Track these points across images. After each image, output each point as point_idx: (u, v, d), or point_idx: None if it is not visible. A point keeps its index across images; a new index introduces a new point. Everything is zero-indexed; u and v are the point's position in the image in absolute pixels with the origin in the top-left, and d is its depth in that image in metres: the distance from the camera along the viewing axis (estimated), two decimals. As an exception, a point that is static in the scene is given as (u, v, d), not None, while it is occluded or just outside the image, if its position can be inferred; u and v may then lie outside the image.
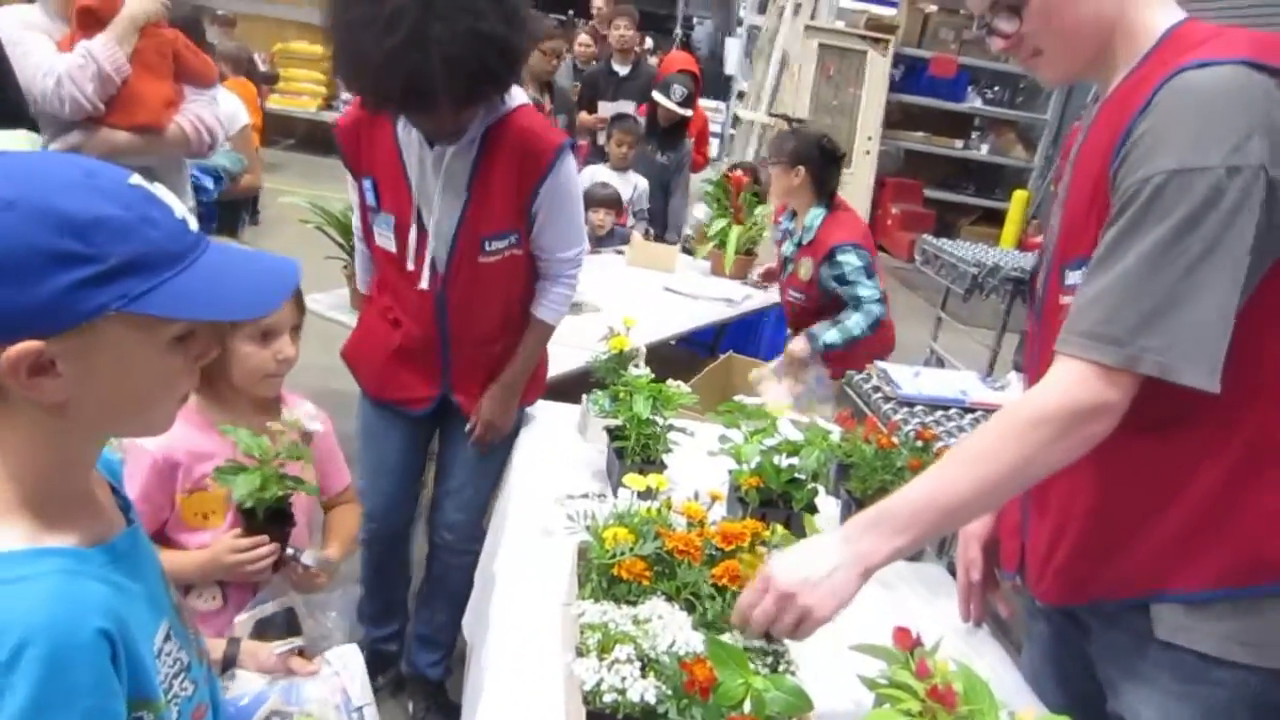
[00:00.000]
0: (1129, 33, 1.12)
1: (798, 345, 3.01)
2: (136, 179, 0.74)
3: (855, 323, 2.94)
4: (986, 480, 1.07)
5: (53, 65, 2.21)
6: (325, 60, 8.84)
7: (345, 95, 8.68)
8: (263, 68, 8.43)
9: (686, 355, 3.89)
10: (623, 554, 1.20)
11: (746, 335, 4.08)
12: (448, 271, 1.86)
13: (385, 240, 1.88)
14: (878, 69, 8.66)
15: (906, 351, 5.29)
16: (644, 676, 1.01)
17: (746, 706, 0.95)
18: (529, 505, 1.69)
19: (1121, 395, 1.04)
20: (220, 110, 2.65)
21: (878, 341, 3.04)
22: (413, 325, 1.94)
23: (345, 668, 1.36)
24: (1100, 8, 1.12)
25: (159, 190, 0.76)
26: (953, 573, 1.70)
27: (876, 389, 2.56)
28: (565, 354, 2.52)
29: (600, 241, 3.91)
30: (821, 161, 3.00)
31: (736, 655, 0.99)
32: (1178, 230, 0.99)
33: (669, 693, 0.99)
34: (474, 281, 1.87)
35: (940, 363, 5.34)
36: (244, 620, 1.34)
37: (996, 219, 9.16)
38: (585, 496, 1.73)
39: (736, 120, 9.89)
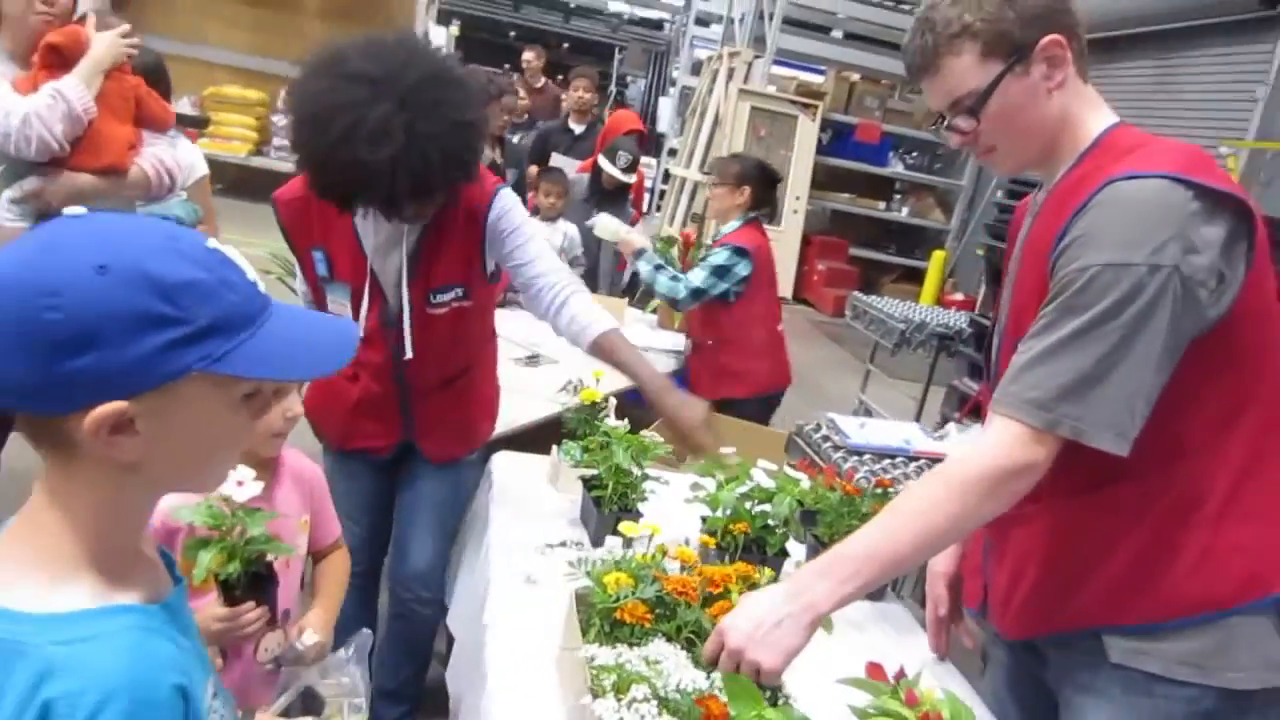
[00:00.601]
0: (1071, 133, 1.28)
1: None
2: (213, 242, 0.77)
3: (666, 280, 3.18)
4: (927, 533, 1.20)
5: (15, 104, 2.19)
6: (257, 105, 8.78)
7: (278, 141, 8.63)
8: (193, 111, 8.33)
9: (633, 406, 3.96)
10: (625, 598, 1.26)
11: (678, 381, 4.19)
12: (399, 327, 1.88)
13: (340, 308, 1.89)
14: (807, 132, 9.04)
15: (836, 402, 5.49)
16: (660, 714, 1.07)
17: (760, 738, 1.02)
18: (509, 555, 1.73)
19: (1045, 454, 1.17)
20: (180, 155, 2.66)
21: (769, 368, 3.26)
22: (370, 381, 1.96)
23: None
24: (1046, 113, 1.26)
25: (233, 254, 0.79)
26: (914, 610, 1.82)
27: (826, 438, 2.68)
28: (526, 404, 2.58)
29: None
30: (763, 183, 3.28)
31: (749, 689, 1.06)
32: (1103, 315, 1.14)
33: (684, 727, 1.05)
34: (425, 333, 1.89)
35: (869, 413, 5.53)
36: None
37: (916, 277, 9.58)
38: (564, 545, 1.78)
39: (668, 176, 10.16)
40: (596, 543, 1.77)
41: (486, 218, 1.86)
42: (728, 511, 1.71)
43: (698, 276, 3.14)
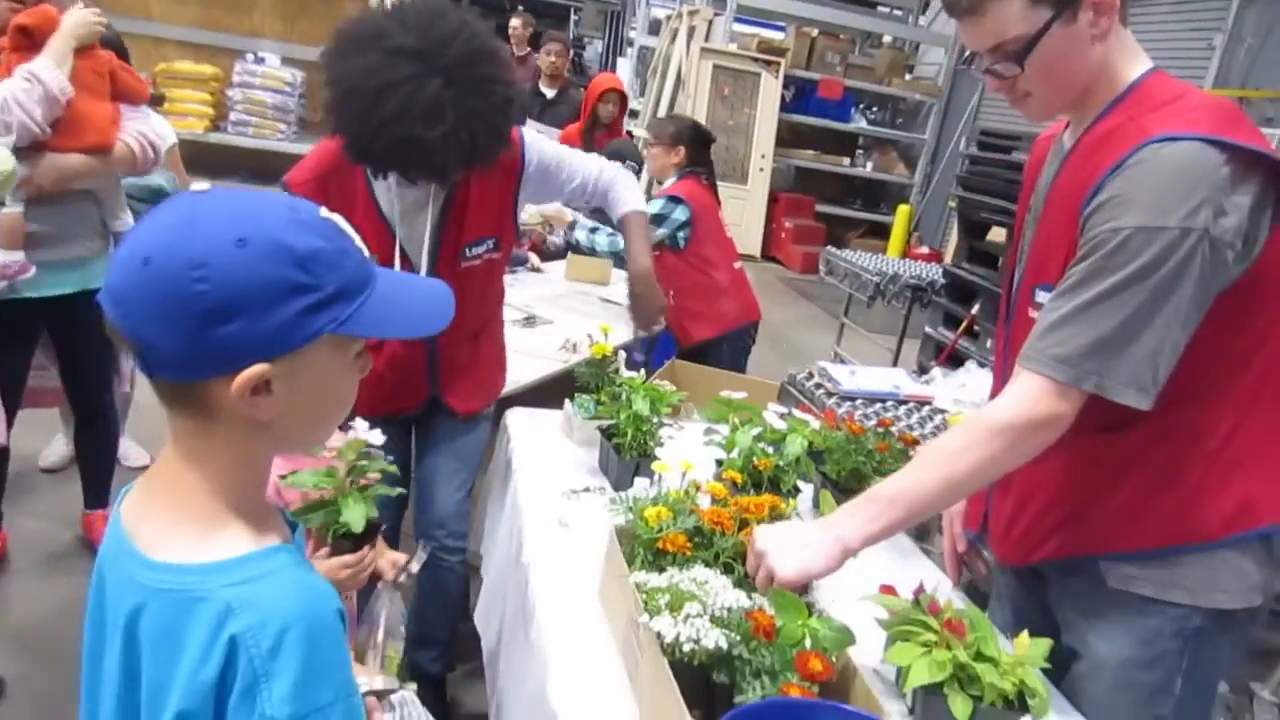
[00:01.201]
0: (1107, 79, 1.30)
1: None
2: (325, 212, 0.81)
3: (605, 239, 3.36)
4: (952, 479, 1.27)
5: None
6: (212, 80, 8.60)
7: (235, 116, 8.48)
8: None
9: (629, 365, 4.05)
10: (666, 529, 1.36)
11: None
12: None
13: None
14: (770, 90, 9.08)
15: (812, 357, 5.61)
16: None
17: (807, 643, 1.13)
18: (538, 502, 1.82)
19: (1070, 408, 1.24)
20: (156, 126, 2.67)
21: (735, 305, 3.37)
22: (396, 345, 2.02)
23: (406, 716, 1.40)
24: (1088, 60, 1.27)
25: (343, 222, 0.84)
26: (917, 540, 1.94)
27: (819, 386, 2.79)
28: (528, 364, 2.66)
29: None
30: (697, 142, 3.43)
31: (795, 602, 1.17)
32: (1132, 277, 1.18)
33: (738, 638, 1.16)
34: (458, 288, 1.95)
35: (844, 364, 5.67)
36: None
37: (882, 232, 9.73)
38: (588, 491, 1.88)
39: (631, 137, 10.16)
40: (618, 487, 1.86)
41: (523, 169, 1.95)
42: (743, 453, 1.81)
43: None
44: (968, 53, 1.34)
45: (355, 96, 1.62)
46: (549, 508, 1.79)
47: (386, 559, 1.51)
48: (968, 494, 1.42)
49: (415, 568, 1.53)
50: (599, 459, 2.01)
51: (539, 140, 2.01)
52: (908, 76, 10.18)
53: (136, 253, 0.72)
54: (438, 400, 2.10)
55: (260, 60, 8.53)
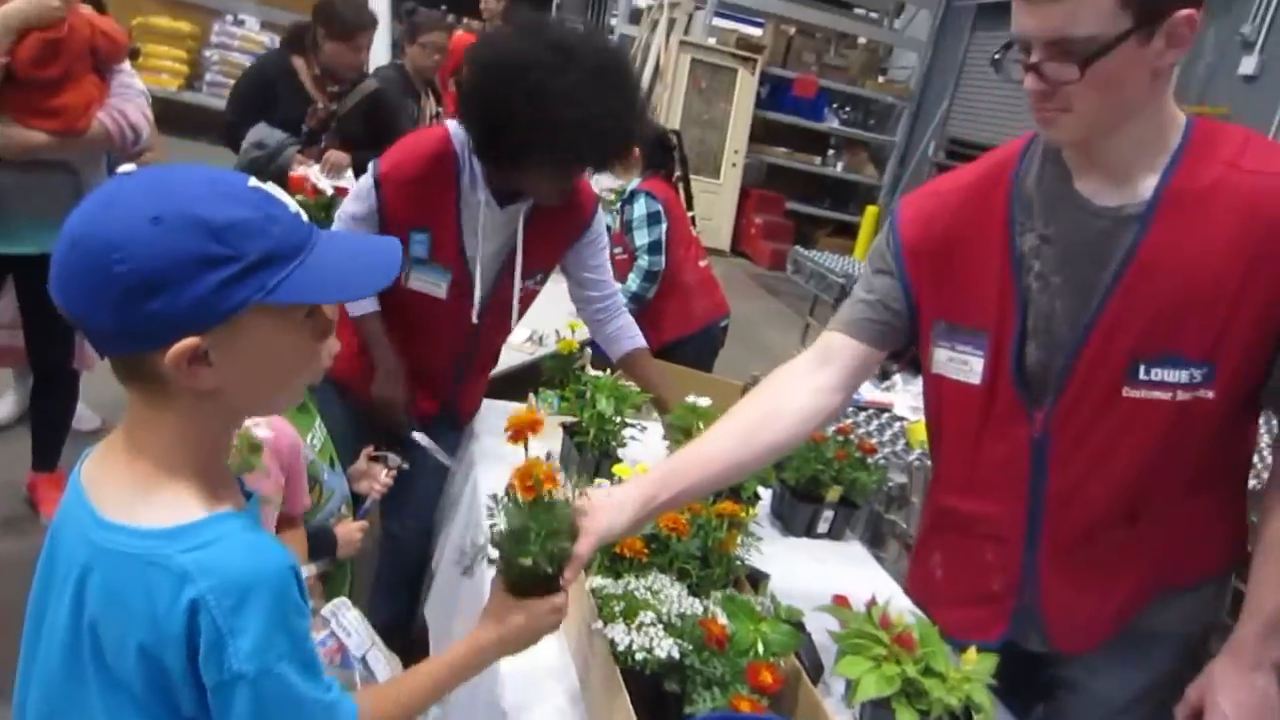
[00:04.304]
0: (1164, 121, 1.18)
1: None
2: (253, 181, 0.82)
3: (632, 280, 3.28)
4: None
5: None
6: (188, 38, 8.42)
7: (210, 76, 8.31)
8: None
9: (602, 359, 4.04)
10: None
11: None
12: (484, 305, 2.00)
13: (431, 287, 1.97)
14: (746, 86, 9.10)
15: (775, 354, 5.67)
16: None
17: (760, 646, 1.14)
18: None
19: None
20: (145, 105, 2.60)
21: (704, 304, 3.37)
22: (435, 353, 2.05)
23: (339, 625, 1.40)
24: (1142, 90, 1.14)
25: (274, 189, 0.85)
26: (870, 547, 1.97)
27: (781, 390, 2.81)
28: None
29: None
30: (655, 144, 3.37)
31: (746, 607, 1.18)
32: None
33: (690, 647, 1.16)
34: (503, 310, 2.04)
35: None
36: None
37: (850, 231, 9.79)
38: (548, 487, 1.87)
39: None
40: (578, 484, 1.86)
41: (591, 224, 2.04)
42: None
43: (639, 239, 3.22)
44: (1007, 43, 1.16)
45: (498, 72, 1.69)
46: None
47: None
48: None
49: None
50: (560, 454, 2.00)
51: (604, 217, 2.13)
52: (880, 79, 10.25)
53: (65, 236, 0.75)
54: (445, 406, 2.12)
55: (240, 22, 8.38)
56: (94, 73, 2.43)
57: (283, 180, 2.69)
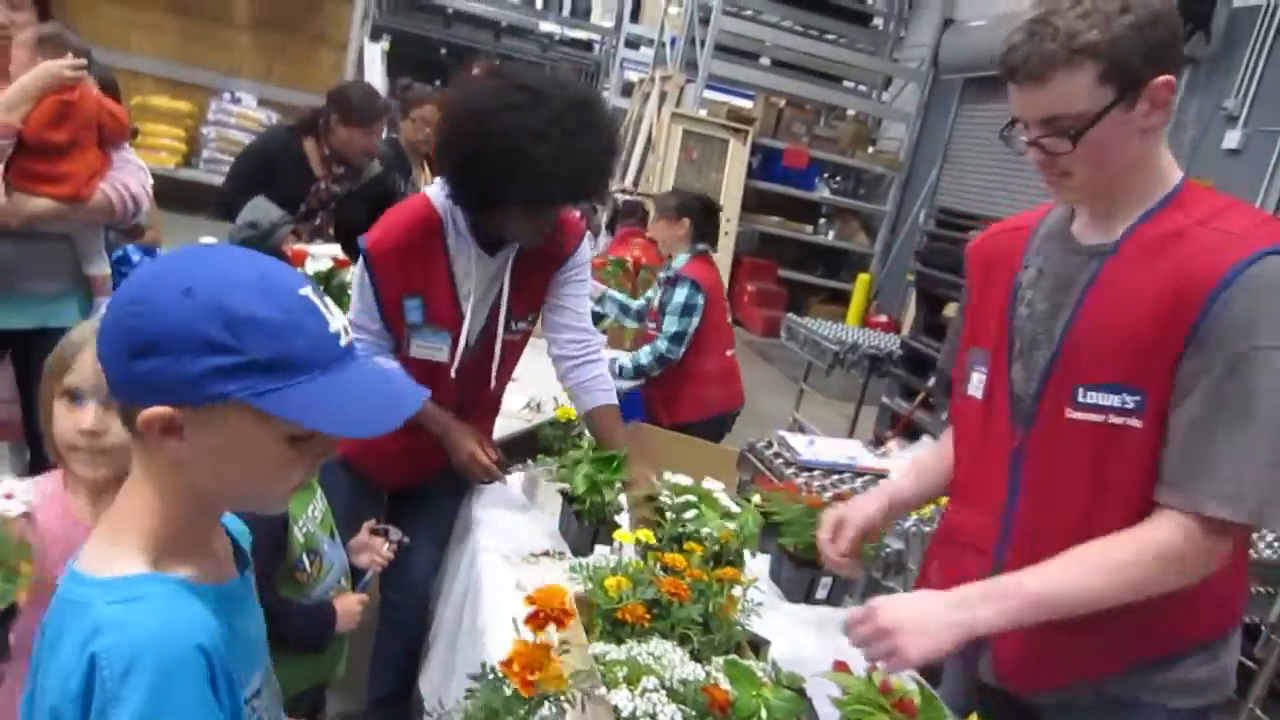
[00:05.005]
0: (1154, 176, 1.27)
1: None
2: (307, 290, 0.82)
3: (645, 353, 3.32)
4: (1104, 592, 1.22)
5: None
6: (186, 117, 8.60)
7: (207, 153, 8.47)
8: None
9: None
10: (625, 599, 1.37)
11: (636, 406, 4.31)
12: (472, 352, 2.00)
13: (432, 353, 1.95)
14: (737, 156, 9.30)
15: (771, 420, 5.69)
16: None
17: (763, 713, 1.15)
18: (497, 564, 1.82)
19: (1230, 543, 1.21)
20: (146, 179, 2.67)
21: (720, 393, 3.39)
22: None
23: None
24: (1131, 151, 1.24)
25: (326, 303, 0.84)
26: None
27: (778, 455, 2.84)
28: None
29: None
30: (702, 213, 3.46)
31: (748, 673, 1.19)
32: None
33: (693, 713, 1.17)
34: (493, 356, 2.04)
35: (803, 431, 5.75)
36: None
37: (842, 298, 9.93)
38: (548, 555, 1.88)
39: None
40: (577, 552, 1.87)
41: (572, 254, 2.03)
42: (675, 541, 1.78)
43: (667, 325, 3.28)
44: (1012, 120, 1.29)
45: (469, 115, 1.74)
46: (507, 571, 1.79)
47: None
48: (1104, 607, 1.25)
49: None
50: (559, 522, 2.01)
51: (587, 249, 2.11)
52: (870, 149, 10.49)
53: (136, 272, 0.81)
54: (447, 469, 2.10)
55: (237, 100, 8.54)
56: (98, 147, 2.50)
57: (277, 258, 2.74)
